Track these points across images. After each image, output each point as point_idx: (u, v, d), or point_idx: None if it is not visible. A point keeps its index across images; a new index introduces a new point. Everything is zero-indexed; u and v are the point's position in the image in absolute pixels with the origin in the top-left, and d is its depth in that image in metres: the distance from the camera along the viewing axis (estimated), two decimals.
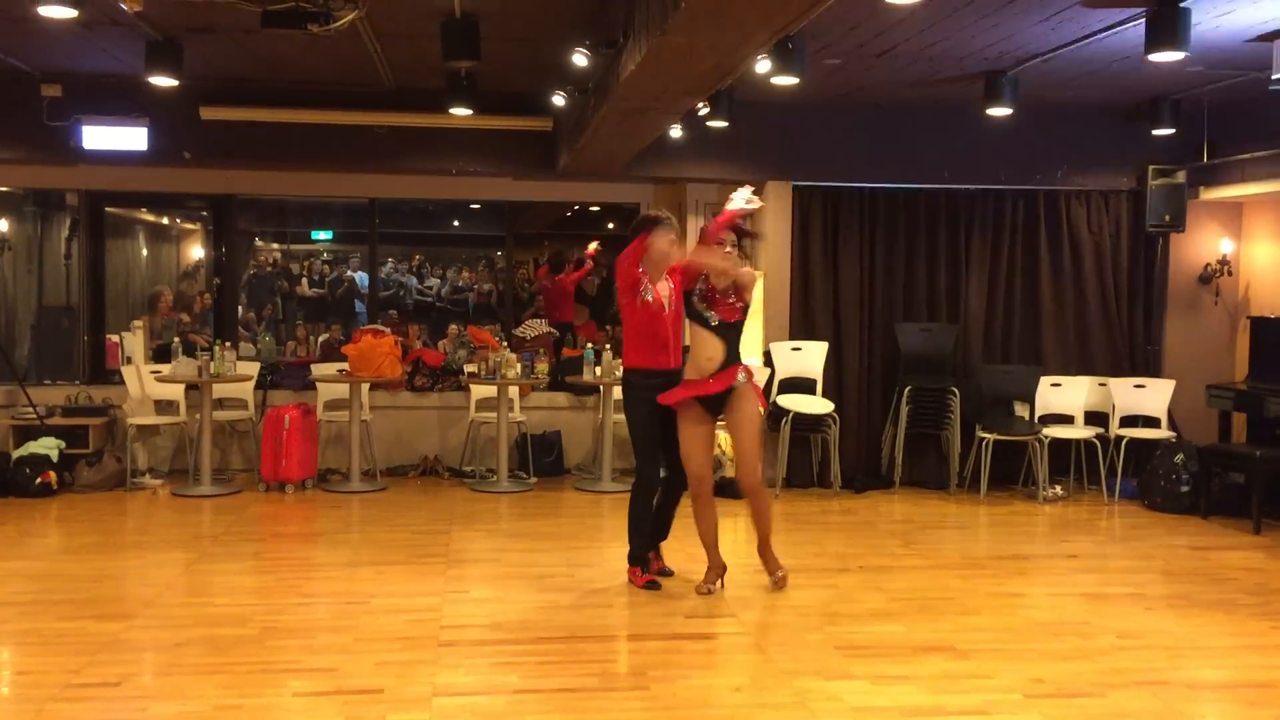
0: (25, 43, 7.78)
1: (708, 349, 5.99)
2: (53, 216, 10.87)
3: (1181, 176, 9.25)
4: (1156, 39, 5.99)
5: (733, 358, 5.99)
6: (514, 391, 9.52)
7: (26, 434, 8.85)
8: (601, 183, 10.10)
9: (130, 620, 5.47)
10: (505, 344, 9.75)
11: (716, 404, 6.03)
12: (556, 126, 9.13)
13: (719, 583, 6.16)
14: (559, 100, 8.02)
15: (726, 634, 5.42)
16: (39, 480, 8.46)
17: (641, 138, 7.97)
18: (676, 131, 8.49)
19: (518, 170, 9.77)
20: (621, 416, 9.49)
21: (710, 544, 6.17)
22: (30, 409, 8.93)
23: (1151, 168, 9.26)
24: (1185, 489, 8.52)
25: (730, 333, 6.00)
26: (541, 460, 9.56)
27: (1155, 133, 8.88)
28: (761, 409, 6.20)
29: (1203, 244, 9.74)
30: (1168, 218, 9.28)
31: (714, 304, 6.00)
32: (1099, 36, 6.85)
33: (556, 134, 9.21)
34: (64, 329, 10.32)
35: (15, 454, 8.64)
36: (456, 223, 17.00)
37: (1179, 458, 8.61)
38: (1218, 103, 8.81)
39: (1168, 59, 6.22)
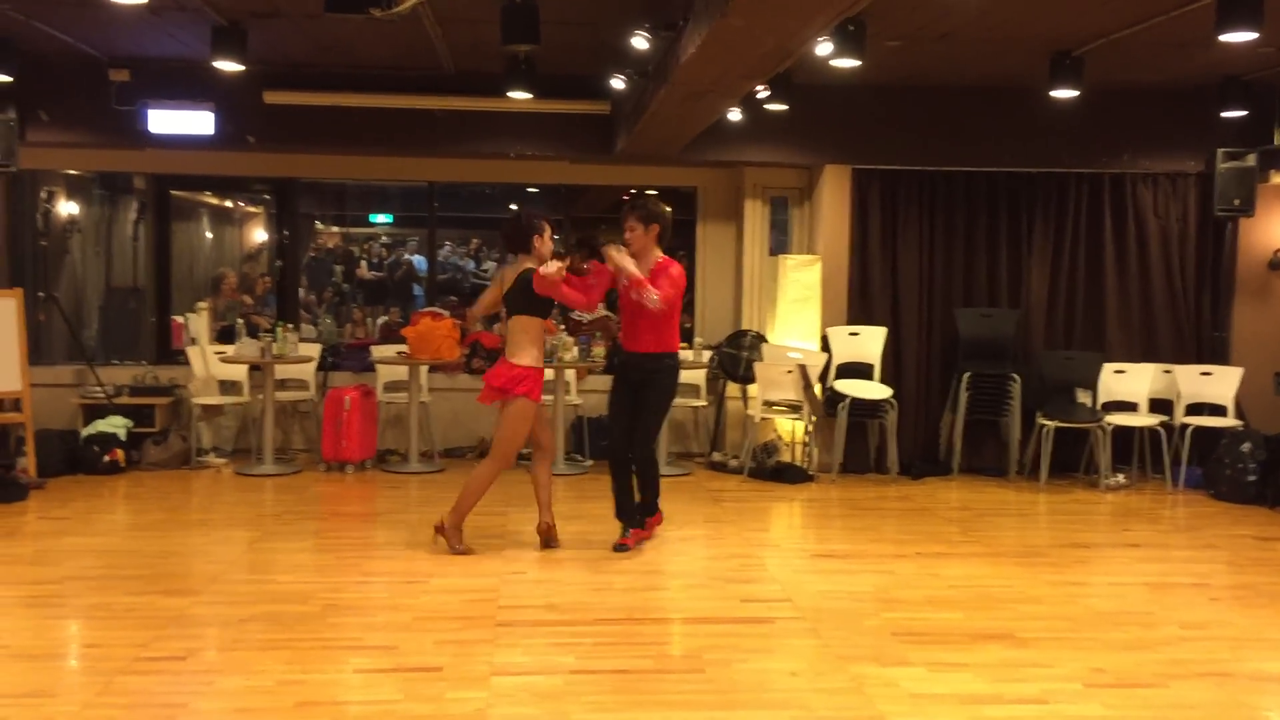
0: (94, 28, 7.92)
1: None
2: (120, 200, 11.06)
3: (1252, 159, 9.04)
4: (1228, 19, 5.86)
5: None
6: (570, 375, 9.56)
7: (95, 413, 9.05)
8: (659, 166, 10.07)
9: (196, 596, 5.58)
10: (562, 327, 9.78)
11: None
12: (614, 110, 9.13)
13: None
14: (617, 83, 8.02)
15: (782, 618, 5.41)
16: (107, 458, 8.65)
17: (700, 121, 7.94)
18: (735, 115, 8.45)
19: (575, 154, 9.79)
20: (679, 401, 9.56)
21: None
22: (99, 388, 9.12)
23: (1220, 151, 9.07)
24: (1252, 478, 8.36)
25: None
26: (597, 443, 9.59)
27: (1224, 115, 8.68)
28: None
29: (1273, 229, 9.52)
30: (1237, 202, 9.08)
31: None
32: (1168, 16, 6.71)
33: (614, 117, 9.21)
34: (131, 310, 10.51)
35: (84, 432, 8.84)
36: (514, 206, 17.05)
37: (1246, 446, 8.45)
38: None
39: (1239, 39, 6.08)
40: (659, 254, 6.55)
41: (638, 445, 6.71)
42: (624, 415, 6.76)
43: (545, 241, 6.44)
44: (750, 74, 6.42)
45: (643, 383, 6.65)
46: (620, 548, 6.62)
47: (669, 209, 6.72)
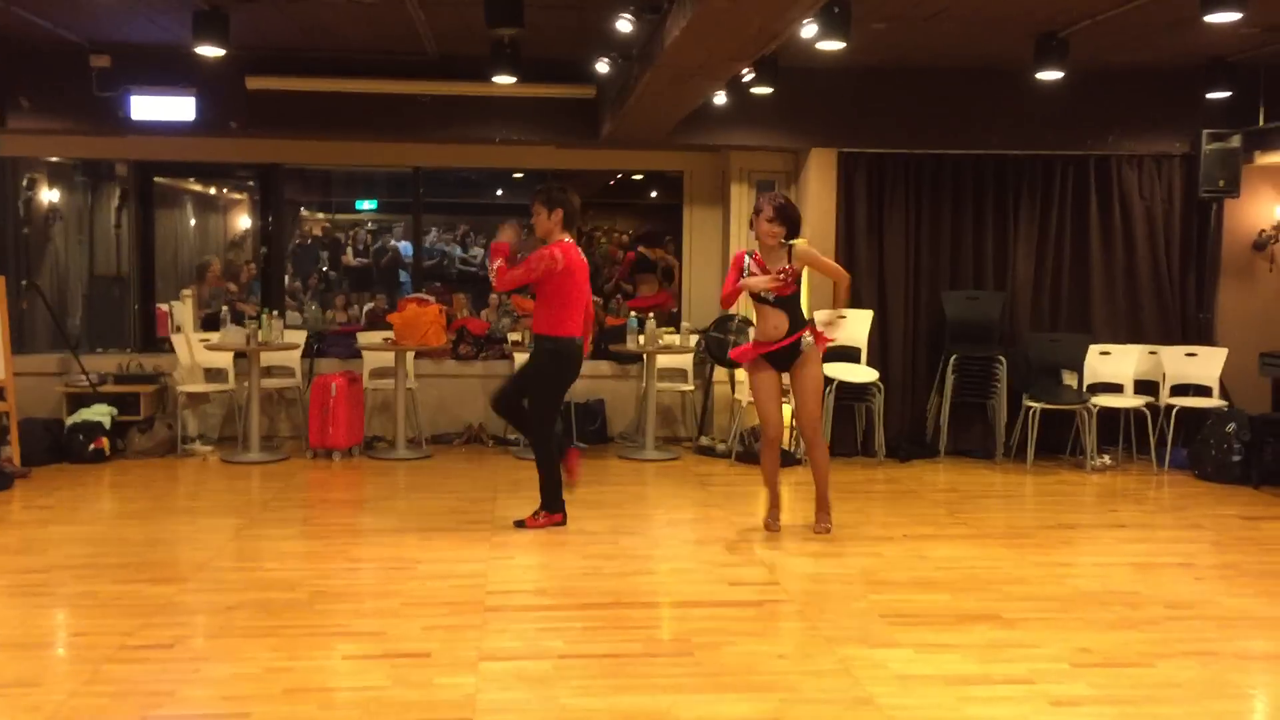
0: (75, 14, 7.85)
1: (774, 319, 6.59)
2: (103, 187, 11.00)
3: (1236, 140, 9.06)
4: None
5: (795, 326, 6.57)
6: None
7: (80, 401, 8.99)
8: (645, 150, 10.06)
9: (183, 584, 5.57)
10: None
11: (782, 360, 6.64)
12: (600, 94, 9.09)
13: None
14: (602, 67, 7.99)
15: (771, 601, 5.42)
16: (92, 447, 8.61)
17: (685, 104, 7.92)
18: (721, 98, 8.42)
19: (561, 138, 9.75)
20: (667, 385, 9.61)
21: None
22: (83, 377, 9.07)
23: (1205, 132, 9.07)
24: (1237, 458, 8.41)
25: (787, 305, 6.60)
26: (585, 428, 9.59)
27: (1209, 96, 8.70)
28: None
29: (1257, 209, 9.55)
30: (1222, 183, 9.09)
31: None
32: None
33: (600, 102, 9.17)
34: (115, 298, 10.47)
35: (69, 421, 8.79)
36: (500, 192, 17.01)
37: (1231, 427, 8.49)
38: (1274, 65, 8.62)
39: (1224, 20, 6.08)
40: (564, 238, 6.63)
41: (530, 426, 6.88)
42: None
43: (759, 222, 6.54)
44: (736, 56, 6.39)
45: (529, 361, 6.89)
46: (518, 522, 6.76)
47: (577, 198, 6.77)
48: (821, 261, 6.79)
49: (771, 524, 6.76)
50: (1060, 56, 7.74)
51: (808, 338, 6.53)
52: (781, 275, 6.45)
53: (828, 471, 6.78)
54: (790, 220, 6.54)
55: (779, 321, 6.55)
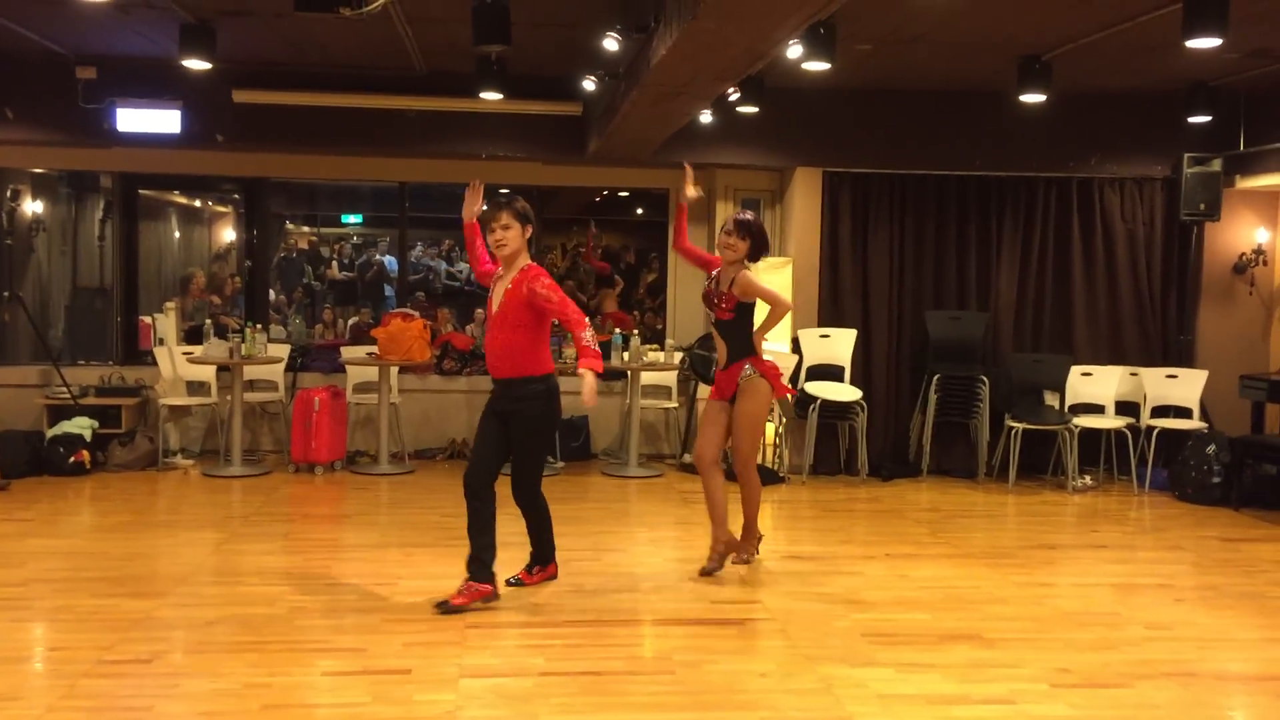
0: (61, 26, 7.84)
1: (719, 346, 6.28)
2: (87, 198, 10.96)
3: (1217, 164, 9.15)
4: (1194, 25, 5.92)
5: (734, 355, 6.15)
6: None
7: (61, 413, 8.95)
8: (631, 168, 10.07)
9: (162, 598, 5.53)
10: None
11: (724, 389, 6.25)
12: (586, 111, 9.13)
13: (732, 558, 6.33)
14: (589, 85, 8.03)
15: (752, 620, 5.42)
16: (72, 459, 8.56)
17: (671, 123, 7.95)
18: (706, 117, 8.47)
19: (547, 155, 9.77)
20: (651, 402, 9.61)
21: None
22: (64, 389, 9.03)
23: (1187, 155, 9.16)
24: (1217, 480, 8.45)
25: (725, 330, 6.19)
26: (569, 445, 9.58)
27: (1191, 120, 8.78)
28: (776, 399, 6.37)
29: (1238, 233, 9.63)
30: (1203, 206, 9.18)
31: (712, 304, 6.25)
32: (1135, 22, 6.77)
33: (586, 119, 9.20)
34: (97, 310, 10.42)
35: (50, 433, 8.75)
36: (485, 207, 17.02)
37: (1211, 448, 8.54)
38: (1255, 90, 8.70)
39: (1205, 45, 6.14)
40: (527, 258, 5.62)
41: (521, 488, 5.85)
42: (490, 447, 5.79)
43: (720, 234, 6.24)
44: (721, 76, 6.43)
45: (523, 418, 5.63)
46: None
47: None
48: (758, 288, 6.08)
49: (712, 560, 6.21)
50: (1043, 80, 7.81)
51: (747, 370, 6.06)
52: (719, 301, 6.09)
53: (757, 504, 6.31)
54: (752, 235, 6.07)
55: (721, 349, 6.18)
